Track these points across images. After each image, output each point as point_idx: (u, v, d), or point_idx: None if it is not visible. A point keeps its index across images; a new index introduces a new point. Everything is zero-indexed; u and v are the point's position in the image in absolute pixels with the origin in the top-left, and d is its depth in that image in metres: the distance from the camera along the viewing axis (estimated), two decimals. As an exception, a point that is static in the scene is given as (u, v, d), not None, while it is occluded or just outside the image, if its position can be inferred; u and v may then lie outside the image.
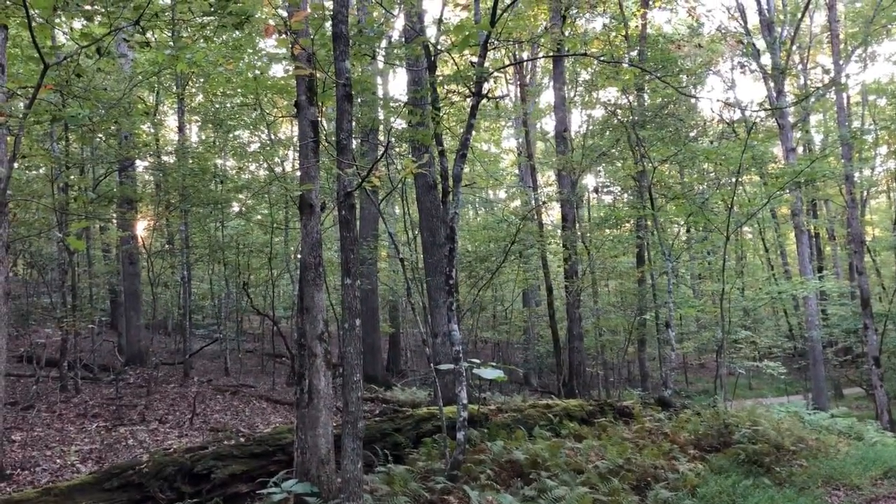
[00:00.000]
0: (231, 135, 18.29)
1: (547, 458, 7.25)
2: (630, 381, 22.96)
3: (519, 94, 24.29)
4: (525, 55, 21.53)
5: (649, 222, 17.80)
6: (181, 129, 18.42)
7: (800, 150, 24.21)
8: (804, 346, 20.24)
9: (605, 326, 21.22)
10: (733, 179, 13.13)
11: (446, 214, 7.89)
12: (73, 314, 13.01)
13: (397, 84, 68.89)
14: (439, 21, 10.64)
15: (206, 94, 17.01)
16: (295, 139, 16.99)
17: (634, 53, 17.91)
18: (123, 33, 7.59)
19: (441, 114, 10.17)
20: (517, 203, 26.66)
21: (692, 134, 17.02)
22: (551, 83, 21.26)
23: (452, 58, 9.84)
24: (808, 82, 27.20)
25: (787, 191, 16.60)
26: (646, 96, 18.43)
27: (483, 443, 7.85)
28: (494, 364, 7.45)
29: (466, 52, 9.77)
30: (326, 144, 9.33)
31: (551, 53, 15.57)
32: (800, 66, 26.29)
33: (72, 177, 14.70)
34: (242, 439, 7.33)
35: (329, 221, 20.12)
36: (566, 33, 15.71)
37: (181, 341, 18.09)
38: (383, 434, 7.89)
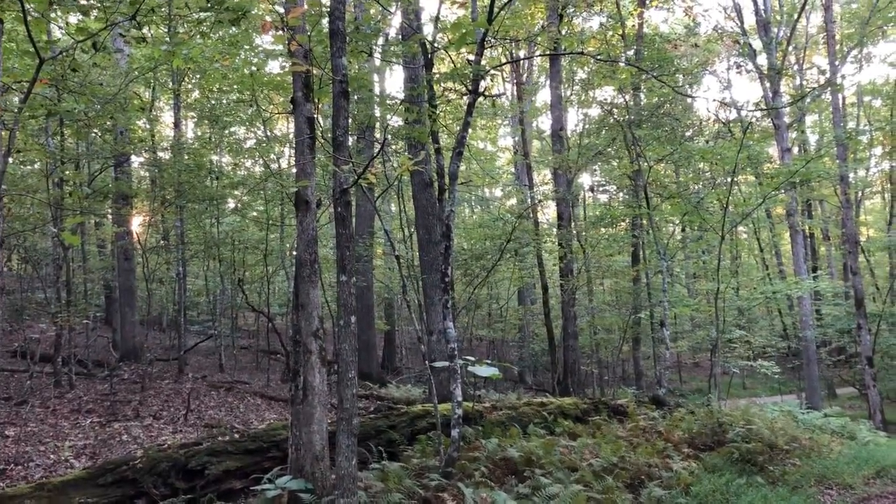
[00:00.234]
0: (227, 131, 18.27)
1: (541, 456, 7.26)
2: (624, 379, 22.99)
3: (515, 93, 24.30)
4: (522, 54, 21.52)
5: (645, 221, 17.82)
6: (177, 124, 18.39)
7: (795, 150, 24.27)
8: (798, 346, 20.29)
9: (599, 325, 21.25)
10: (728, 179, 13.15)
11: (442, 212, 7.90)
12: (67, 310, 12.98)
13: (394, 82, 68.88)
14: (436, 19, 10.66)
15: (202, 91, 16.98)
16: (291, 136, 16.98)
17: (631, 53, 17.93)
18: (119, 28, 7.57)
19: (437, 111, 10.17)
20: (513, 201, 26.68)
21: (688, 133, 17.05)
22: (548, 82, 21.30)
23: (449, 55, 9.85)
24: (804, 83, 27.25)
25: (783, 191, 16.64)
26: (642, 96, 18.45)
27: (478, 440, 7.86)
28: (489, 362, 7.46)
29: (463, 50, 9.77)
30: (323, 141, 9.32)
31: (548, 52, 15.57)
32: (796, 67, 26.32)
33: (67, 172, 14.67)
34: (237, 435, 7.34)
35: (325, 218, 20.09)
36: (563, 32, 15.72)
37: (176, 337, 18.05)
38: (378, 431, 7.90)
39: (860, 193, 27.88)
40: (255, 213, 19.65)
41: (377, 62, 18.01)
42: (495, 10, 7.73)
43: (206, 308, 24.62)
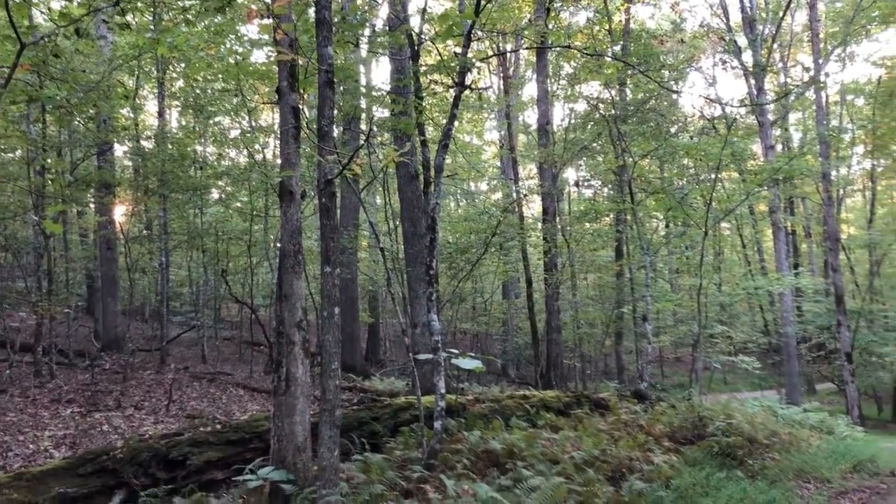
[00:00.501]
0: (211, 121, 18.13)
1: (523, 449, 7.29)
2: (607, 373, 23.13)
3: (502, 87, 24.29)
4: (509, 47, 21.51)
5: (629, 217, 17.90)
6: (161, 114, 18.22)
7: (779, 147, 24.41)
8: (779, 342, 20.48)
9: (583, 319, 21.34)
10: (712, 175, 13.23)
11: (427, 205, 7.89)
12: (48, 299, 12.86)
13: (380, 73, 68.58)
14: (423, 10, 10.61)
15: (186, 79, 16.85)
16: (276, 126, 16.88)
17: (618, 48, 17.97)
18: (103, 14, 7.48)
19: (424, 104, 10.14)
20: (498, 195, 26.69)
21: (673, 129, 17.12)
22: (534, 76, 21.29)
23: (436, 47, 9.82)
24: (789, 80, 27.44)
25: (766, 187, 16.76)
26: (628, 91, 18.50)
27: (460, 432, 7.87)
28: (473, 355, 7.47)
29: (450, 42, 9.75)
30: (308, 132, 9.28)
31: (535, 46, 15.57)
32: (780, 65, 26.49)
33: (49, 159, 14.50)
34: (219, 426, 7.31)
35: (309, 210, 20.02)
36: (550, 26, 15.72)
37: (158, 328, 17.95)
38: (361, 423, 7.90)
39: (842, 191, 28.11)
40: (238, 204, 19.54)
41: (364, 53, 17.95)
42: (482, 2, 7.71)
43: (189, 299, 24.48)
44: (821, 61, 20.40)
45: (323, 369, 5.30)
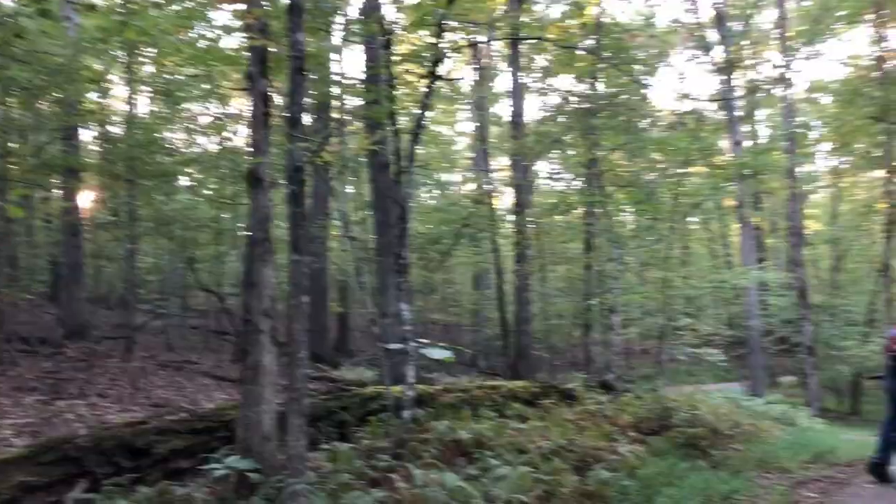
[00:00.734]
0: (181, 107, 17.89)
1: (491, 438, 7.33)
2: (575, 364, 23.30)
3: (475, 78, 24.28)
4: (482, 38, 21.47)
5: (598, 210, 18.00)
6: (129, 99, 17.92)
7: (747, 143, 24.72)
8: (743, 335, 20.80)
9: (552, 311, 21.48)
10: (681, 170, 13.37)
11: (399, 194, 7.87)
12: (11, 285, 12.62)
13: (353, 61, 68.14)
14: (397, -1, 10.56)
15: (155, 64, 16.58)
16: (246, 113, 16.71)
17: (590, 42, 18.03)
18: (69, -5, 7.34)
19: (396, 93, 10.09)
20: (471, 187, 26.72)
21: (643, 124, 17.24)
22: (507, 68, 21.31)
23: (409, 37, 9.78)
24: (757, 77, 27.77)
25: (733, 183, 16.98)
26: (599, 85, 18.58)
27: (429, 422, 7.88)
28: (443, 345, 7.49)
29: (424, 31, 9.71)
30: (278, 119, 9.20)
31: (508, 37, 15.58)
32: (750, 61, 26.78)
33: (10, 143, 14.20)
34: (185, 415, 7.25)
35: (280, 198, 19.84)
36: (524, 18, 15.73)
37: (124, 316, 17.70)
38: (329, 412, 7.88)
39: (807, 187, 28.56)
40: (208, 192, 19.32)
41: (336, 41, 17.80)
42: (456, -8, 7.70)
43: (156, 287, 24.18)
44: (789, 59, 20.70)
45: (291, 358, 5.28)
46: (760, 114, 29.93)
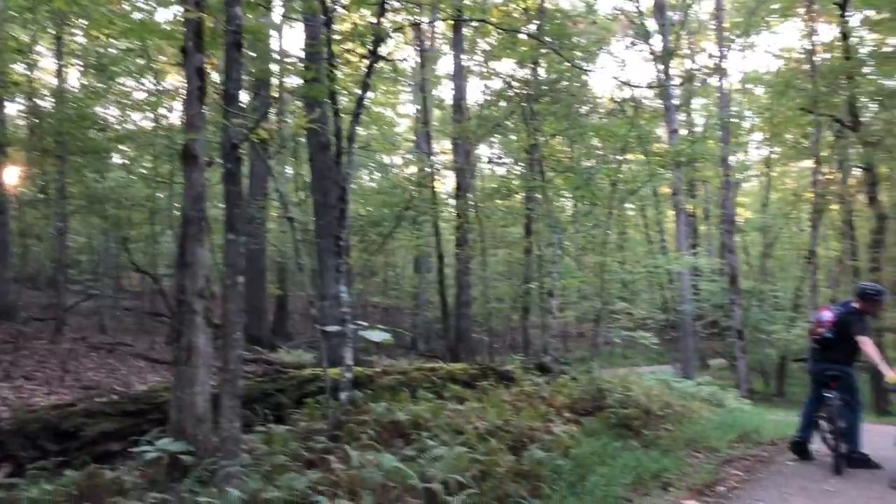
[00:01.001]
0: (114, 81, 17.32)
1: (429, 420, 7.36)
2: (514, 347, 23.56)
3: (417, 60, 24.15)
4: (425, 19, 21.36)
5: (539, 195, 18.19)
6: (59, 72, 17.25)
7: (683, 131, 25.28)
8: (676, 319, 21.35)
9: (492, 294, 21.63)
10: (618, 157, 13.60)
11: (339, 175, 7.79)
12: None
13: (294, 39, 67.02)
14: (338, -24, 10.39)
15: (87, 37, 16.00)
16: (182, 89, 16.29)
17: (533, 27, 18.11)
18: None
19: (337, 72, 9.97)
20: (412, 169, 26.63)
21: (583, 110, 17.44)
22: (450, 51, 21.25)
23: (350, 16, 9.67)
24: (694, 66, 28.37)
25: (669, 170, 17.35)
26: (541, 71, 18.70)
27: (367, 404, 7.87)
28: (382, 327, 7.47)
29: (365, 10, 9.60)
30: (215, 97, 9.00)
31: (451, 18, 15.52)
32: (687, 51, 27.35)
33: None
34: (115, 397, 7.08)
35: (217, 177, 19.44)
36: (466, 0, 15.69)
37: (54, 296, 17.14)
38: (265, 394, 7.80)
39: (739, 176, 29.37)
40: (143, 170, 18.81)
41: (277, 19, 17.47)
42: (398, -29, 7.63)
43: (88, 267, 23.49)
44: (724, 50, 21.20)
45: (225, 339, 5.20)
46: (696, 103, 30.62)
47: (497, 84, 19.37)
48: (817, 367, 7.60)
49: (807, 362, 8.13)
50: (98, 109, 18.27)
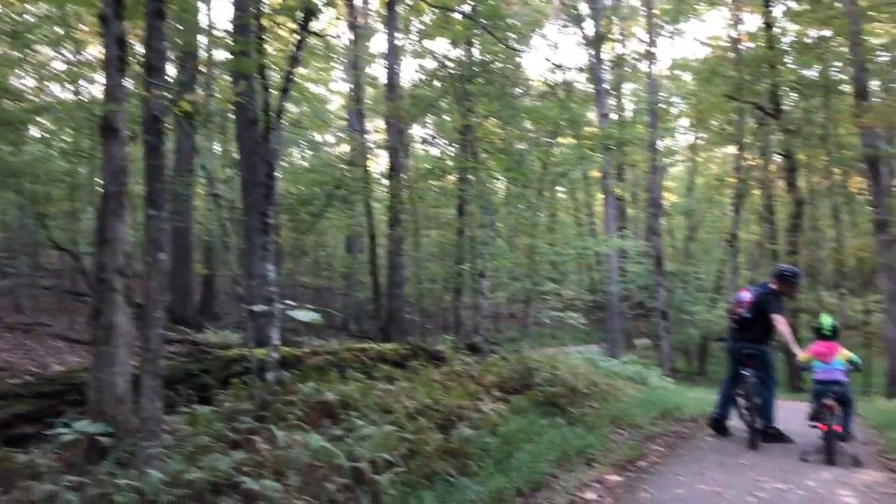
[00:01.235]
0: (30, 50, 16.54)
1: (358, 400, 7.33)
2: (445, 328, 23.70)
3: (351, 37, 23.82)
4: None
5: (472, 176, 18.26)
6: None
7: (613, 116, 25.70)
8: (603, 300, 21.81)
9: (424, 275, 21.67)
10: (550, 139, 13.74)
11: (267, 152, 7.63)
12: None
13: (222, 12, 65.28)
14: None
15: (3, 4, 15.22)
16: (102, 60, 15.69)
17: (467, 7, 18.06)
18: None
19: (267, 47, 9.74)
20: (345, 148, 26.33)
21: (516, 92, 17.52)
22: (384, 29, 21.03)
23: (280, -12, 9.43)
24: (624, 51, 28.85)
25: (599, 153, 17.64)
26: (475, 52, 18.69)
27: (294, 385, 7.78)
28: (311, 307, 7.38)
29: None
30: (138, 68, 8.68)
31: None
32: (618, 36, 27.75)
33: None
34: (30, 378, 6.82)
35: (139, 152, 18.83)
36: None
37: (-36, 275, 16.39)
38: (190, 375, 7.64)
39: (666, 161, 30.09)
40: (61, 144, 18.05)
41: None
42: (330, -56, 7.47)
43: (2, 244, 22.51)
44: (654, 36, 21.61)
45: (146, 318, 5.06)
46: (627, 88, 31.18)
47: (431, 64, 19.30)
48: (735, 346, 7.88)
49: (725, 341, 8.42)
50: (13, 80, 17.42)
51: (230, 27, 12.30)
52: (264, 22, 9.12)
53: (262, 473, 4.76)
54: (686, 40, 51.17)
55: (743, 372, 7.59)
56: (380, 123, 27.37)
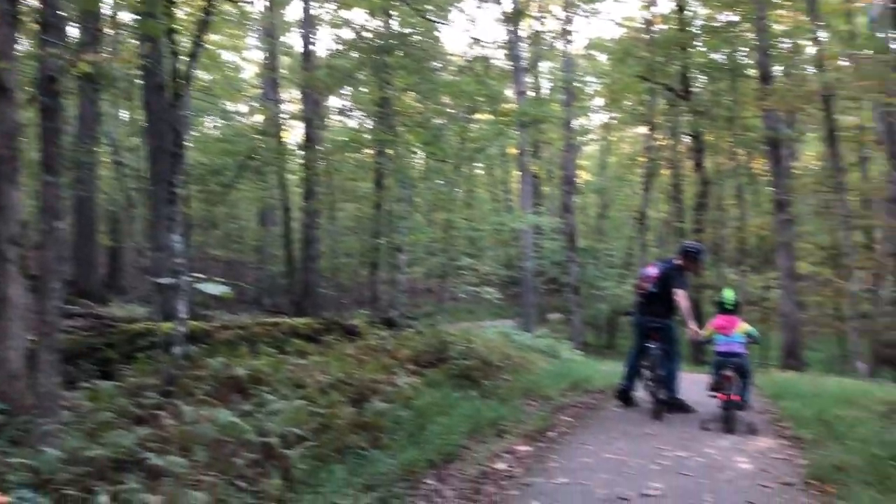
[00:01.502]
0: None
1: (269, 374, 7.21)
2: (361, 302, 23.57)
3: (266, 4, 23.15)
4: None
5: (389, 149, 18.13)
6: None
7: (530, 93, 25.93)
8: (518, 275, 22.11)
9: (340, 249, 21.47)
10: (468, 115, 13.76)
11: (175, 118, 7.34)
12: None
13: (131, -26, 62.12)
14: None
15: None
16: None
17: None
18: None
19: (177, 10, 9.35)
20: (258, 118, 25.67)
21: (434, 65, 17.45)
22: (300, -4, 20.52)
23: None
24: (542, 29, 29.08)
25: (515, 130, 17.79)
26: (394, 23, 18.48)
27: (203, 359, 7.60)
28: (221, 280, 7.20)
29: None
30: (35, 26, 8.18)
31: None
32: (536, 13, 27.93)
33: None
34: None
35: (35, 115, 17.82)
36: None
37: None
38: (92, 349, 7.36)
39: (581, 139, 30.65)
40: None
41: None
42: None
43: None
44: (571, 14, 21.88)
45: (43, 289, 4.81)
46: (543, 66, 31.49)
47: (348, 34, 18.96)
48: (641, 320, 8.13)
49: (632, 315, 8.68)
50: None
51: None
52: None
53: (167, 449, 4.64)
54: (602, 20, 52.13)
55: (648, 345, 7.84)
56: (295, 93, 26.81)
